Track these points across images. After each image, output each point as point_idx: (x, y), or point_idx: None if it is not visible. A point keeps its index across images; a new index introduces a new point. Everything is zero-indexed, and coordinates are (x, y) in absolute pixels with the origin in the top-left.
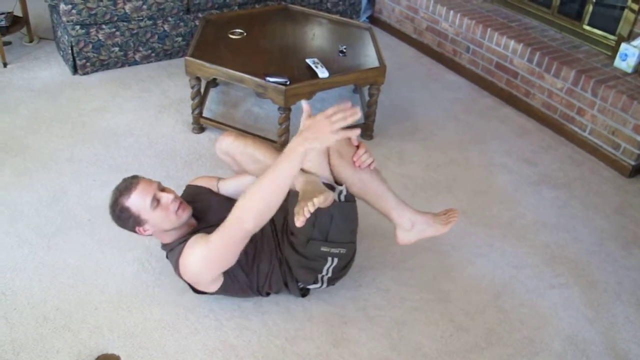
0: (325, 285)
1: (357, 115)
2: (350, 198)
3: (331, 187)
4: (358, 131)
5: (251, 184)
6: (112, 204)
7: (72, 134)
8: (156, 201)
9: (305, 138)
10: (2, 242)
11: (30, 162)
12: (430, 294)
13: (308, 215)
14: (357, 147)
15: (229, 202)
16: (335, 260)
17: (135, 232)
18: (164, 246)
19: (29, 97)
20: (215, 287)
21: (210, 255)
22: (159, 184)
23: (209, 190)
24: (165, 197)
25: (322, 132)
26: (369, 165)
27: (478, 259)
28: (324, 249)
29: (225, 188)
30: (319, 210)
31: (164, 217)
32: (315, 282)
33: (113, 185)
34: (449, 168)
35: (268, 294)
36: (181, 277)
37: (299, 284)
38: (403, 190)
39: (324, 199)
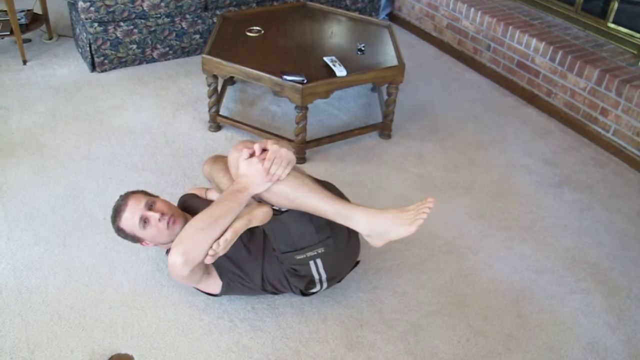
0: (325, 285)
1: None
2: None
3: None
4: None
5: (195, 218)
6: (112, 223)
7: (89, 131)
8: (143, 221)
9: (246, 186)
10: (18, 239)
11: (47, 160)
12: (447, 297)
13: (221, 252)
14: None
15: None
16: (319, 261)
17: (141, 244)
18: (167, 253)
19: (47, 94)
20: (210, 288)
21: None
22: (147, 200)
23: (199, 196)
24: (153, 217)
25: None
26: (280, 177)
27: (496, 263)
28: (299, 257)
29: (211, 197)
30: (273, 224)
31: (156, 234)
32: (313, 286)
33: (129, 184)
34: (468, 169)
35: (275, 293)
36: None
37: (301, 290)
38: (420, 191)
39: (243, 224)
